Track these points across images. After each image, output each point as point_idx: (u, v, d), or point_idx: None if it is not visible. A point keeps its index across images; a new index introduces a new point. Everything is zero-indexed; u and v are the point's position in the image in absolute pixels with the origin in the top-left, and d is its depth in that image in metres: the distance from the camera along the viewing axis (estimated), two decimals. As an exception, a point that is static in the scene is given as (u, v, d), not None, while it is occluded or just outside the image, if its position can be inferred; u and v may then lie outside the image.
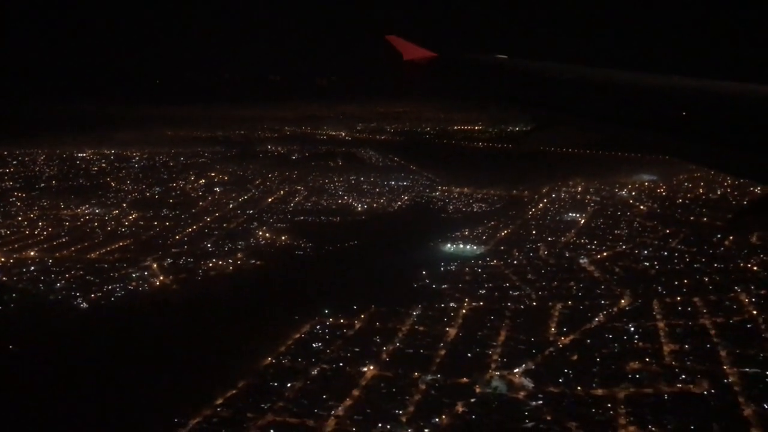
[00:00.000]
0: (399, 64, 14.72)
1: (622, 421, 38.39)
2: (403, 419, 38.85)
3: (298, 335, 51.53)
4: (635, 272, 66.27)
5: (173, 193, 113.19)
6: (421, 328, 53.07)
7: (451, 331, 52.24)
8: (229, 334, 51.35)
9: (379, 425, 38.15)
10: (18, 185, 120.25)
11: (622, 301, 58.43)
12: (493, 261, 71.28)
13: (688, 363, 45.39)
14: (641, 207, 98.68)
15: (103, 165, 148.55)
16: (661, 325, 52.70)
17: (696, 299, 57.84)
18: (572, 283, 63.21)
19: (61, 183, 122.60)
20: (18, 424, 39.04)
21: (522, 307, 57.61)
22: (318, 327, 53.18)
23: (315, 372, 45.23)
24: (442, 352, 48.49)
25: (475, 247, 77.64)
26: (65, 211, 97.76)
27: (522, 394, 41.90)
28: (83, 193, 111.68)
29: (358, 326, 53.58)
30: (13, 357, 48.14)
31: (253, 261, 72.56)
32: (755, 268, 65.50)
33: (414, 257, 72.36)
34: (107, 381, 43.00)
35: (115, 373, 43.96)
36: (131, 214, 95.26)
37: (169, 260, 71.46)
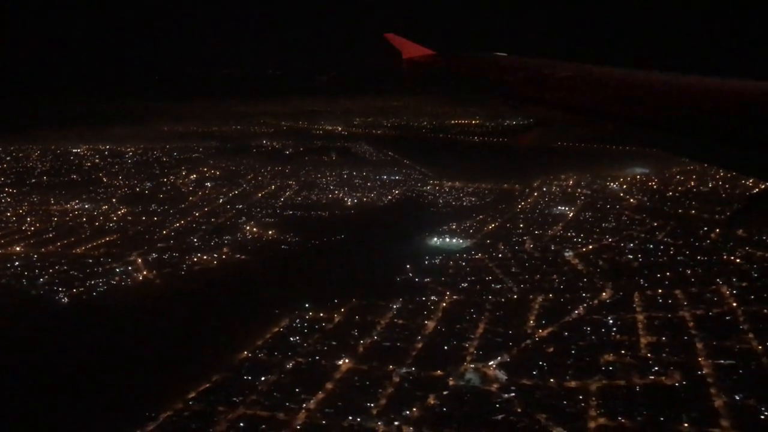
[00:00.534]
0: (398, 62, 14.83)
1: (593, 413, 38.39)
2: (374, 412, 38.88)
3: (276, 329, 51.57)
4: (619, 265, 66.22)
5: (164, 188, 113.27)
6: (400, 322, 53.09)
7: (430, 324, 52.25)
8: (208, 328, 51.46)
9: (350, 418, 38.17)
10: (9, 181, 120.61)
11: (604, 293, 58.39)
12: (477, 254, 71.25)
13: (664, 355, 45.38)
14: (631, 200, 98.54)
15: (97, 160, 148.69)
16: (640, 317, 52.68)
17: (677, 292, 57.81)
18: (555, 276, 63.18)
19: (53, 178, 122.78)
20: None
21: (503, 300, 57.59)
22: (297, 321, 53.21)
23: (290, 366, 45.27)
24: (419, 345, 48.50)
25: (461, 241, 77.58)
26: (54, 207, 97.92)
27: (495, 386, 41.91)
28: (74, 188, 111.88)
29: (337, 320, 53.62)
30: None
31: (238, 255, 72.59)
32: (738, 260, 65.39)
33: (399, 251, 72.32)
34: (79, 375, 43.04)
35: (87, 368, 43.99)
36: (120, 210, 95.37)
37: (154, 255, 71.54)
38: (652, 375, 42.18)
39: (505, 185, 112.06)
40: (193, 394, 41.26)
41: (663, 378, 41.73)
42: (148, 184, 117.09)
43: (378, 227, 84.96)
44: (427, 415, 38.54)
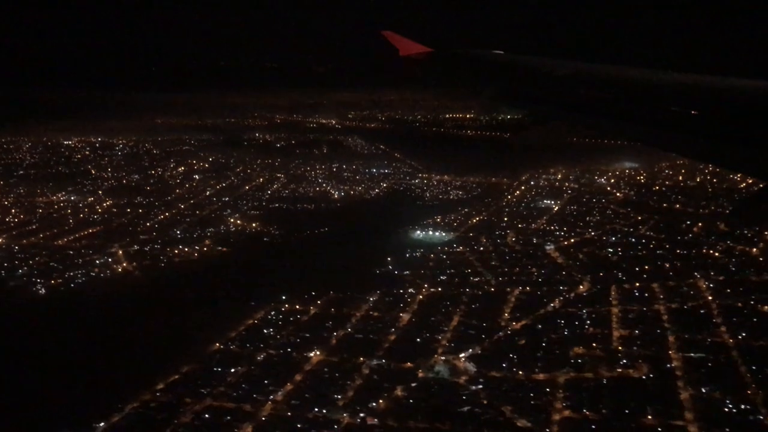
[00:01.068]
0: (395, 59, 14.77)
1: (558, 405, 38.45)
2: (340, 404, 38.91)
3: (250, 321, 51.54)
4: (598, 258, 66.29)
5: (151, 181, 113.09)
6: (376, 314, 53.10)
7: (405, 317, 52.27)
8: (183, 320, 51.41)
9: (315, 410, 38.21)
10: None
11: (581, 287, 58.46)
12: (459, 247, 71.28)
13: (635, 348, 45.45)
14: (618, 194, 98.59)
15: (87, 153, 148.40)
16: (615, 310, 52.74)
17: (655, 285, 57.89)
18: (534, 270, 63.21)
19: (41, 170, 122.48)
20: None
21: (480, 293, 57.61)
22: (272, 313, 53.19)
23: (261, 358, 45.27)
24: (392, 338, 48.53)
25: (444, 234, 77.62)
26: (40, 199, 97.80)
27: (463, 378, 41.95)
28: (61, 180, 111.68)
29: (312, 312, 53.62)
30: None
31: (220, 248, 72.58)
32: (717, 254, 65.49)
33: (381, 244, 72.30)
34: (49, 367, 43.00)
35: (58, 359, 43.98)
36: (105, 202, 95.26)
37: (135, 247, 71.48)
38: (620, 368, 42.24)
39: (494, 179, 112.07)
40: (161, 386, 41.21)
41: (630, 371, 41.82)
42: (136, 176, 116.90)
43: (363, 220, 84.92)
44: (392, 407, 38.58)
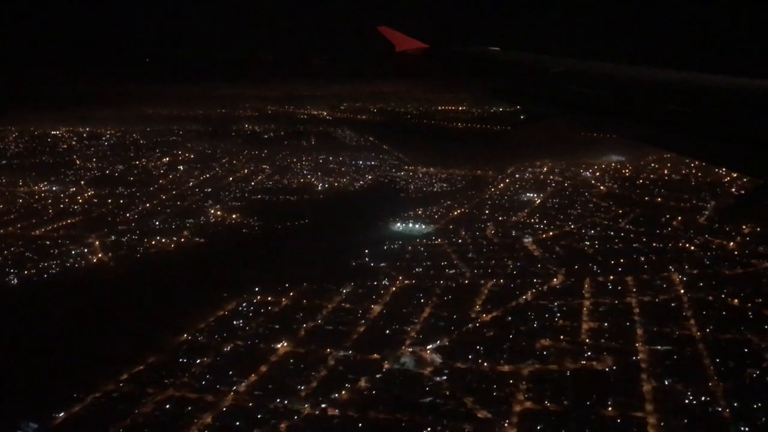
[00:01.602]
0: (391, 55, 14.66)
1: (520, 396, 38.51)
2: (303, 394, 38.87)
3: (221, 312, 51.39)
4: (575, 251, 66.28)
5: (135, 171, 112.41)
6: (347, 306, 53.04)
7: (376, 308, 52.23)
8: (153, 311, 51.21)
9: (277, 400, 38.18)
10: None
11: (555, 279, 58.48)
12: (437, 240, 71.20)
13: (602, 341, 45.57)
14: (601, 187, 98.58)
15: (74, 143, 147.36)
16: (586, 303, 52.83)
17: (629, 278, 57.98)
18: (509, 262, 63.17)
19: (25, 160, 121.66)
20: None
21: (453, 284, 57.58)
22: (244, 304, 53.04)
23: (228, 348, 45.18)
24: (361, 329, 48.48)
25: (423, 226, 77.49)
26: (22, 189, 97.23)
27: (428, 369, 41.99)
28: (45, 170, 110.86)
29: (284, 303, 53.50)
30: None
31: (197, 239, 72.33)
32: (693, 248, 65.59)
33: (360, 236, 72.05)
34: (12, 356, 42.74)
35: (22, 348, 43.76)
36: (87, 192, 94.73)
37: (113, 238, 71.16)
38: (584, 360, 42.31)
39: (479, 171, 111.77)
40: (125, 376, 41.14)
41: (594, 363, 41.90)
42: (120, 166, 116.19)
43: (344, 212, 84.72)
44: (355, 397, 38.57)
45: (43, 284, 57.92)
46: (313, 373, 41.49)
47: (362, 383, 40.11)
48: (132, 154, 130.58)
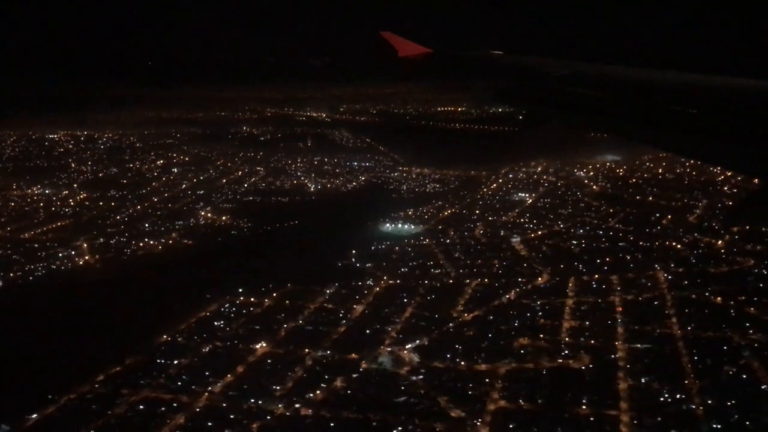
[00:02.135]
0: (394, 60, 14.71)
1: (495, 395, 38.37)
2: (277, 394, 38.83)
3: (202, 313, 51.41)
4: (562, 251, 66.07)
5: (128, 174, 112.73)
6: (330, 306, 53.00)
7: (358, 309, 52.16)
8: (135, 313, 51.20)
9: (251, 401, 38.15)
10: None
11: (540, 279, 58.30)
12: (425, 240, 71.10)
13: (582, 339, 45.38)
14: (594, 187, 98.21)
15: (70, 146, 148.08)
16: (569, 302, 52.63)
17: (613, 277, 57.74)
18: (495, 262, 62.99)
19: (20, 164, 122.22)
20: None
21: (437, 284, 57.47)
22: (226, 306, 53.06)
23: (206, 349, 45.19)
24: (342, 329, 48.42)
25: (413, 227, 77.38)
26: (15, 192, 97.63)
27: (405, 369, 41.89)
28: (39, 174, 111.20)
29: (267, 304, 53.49)
30: None
31: (186, 241, 72.43)
32: (680, 246, 65.29)
33: (349, 237, 71.95)
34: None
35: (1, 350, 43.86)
36: (79, 195, 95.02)
37: (101, 240, 71.32)
38: (561, 359, 42.14)
39: (472, 172, 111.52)
40: (101, 377, 41.18)
41: (571, 362, 41.72)
42: (114, 169, 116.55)
43: (334, 213, 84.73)
44: (330, 398, 38.50)
45: (26, 286, 58.10)
46: (289, 374, 41.45)
47: (338, 383, 40.03)
48: (127, 157, 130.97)
